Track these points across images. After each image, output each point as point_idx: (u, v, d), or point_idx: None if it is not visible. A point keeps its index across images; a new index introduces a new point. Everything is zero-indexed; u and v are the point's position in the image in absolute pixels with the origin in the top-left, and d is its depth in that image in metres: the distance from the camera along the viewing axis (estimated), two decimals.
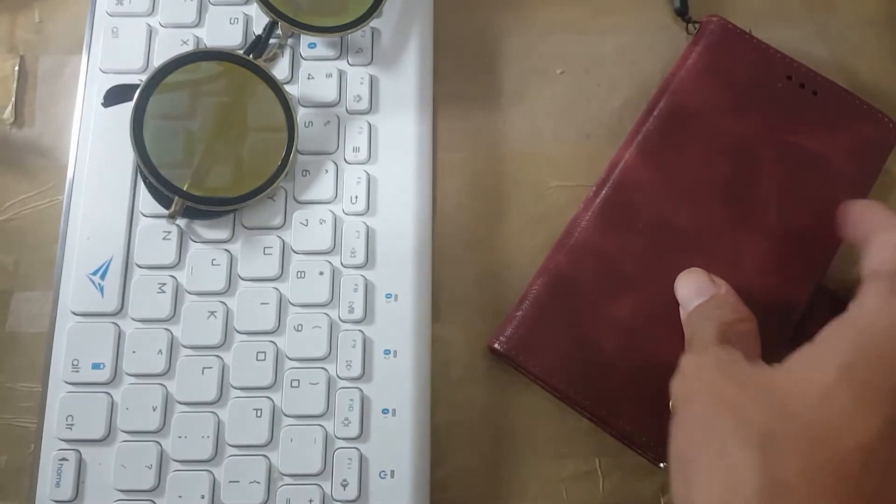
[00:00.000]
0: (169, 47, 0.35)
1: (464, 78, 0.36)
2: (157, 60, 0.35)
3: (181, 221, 0.33)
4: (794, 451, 0.22)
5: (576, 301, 0.32)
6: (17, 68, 0.36)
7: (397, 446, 0.31)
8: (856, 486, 0.22)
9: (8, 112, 0.35)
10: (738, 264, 0.32)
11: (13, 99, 0.35)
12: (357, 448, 0.31)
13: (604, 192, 0.34)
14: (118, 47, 0.35)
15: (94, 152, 0.34)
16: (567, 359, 0.32)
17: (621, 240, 0.33)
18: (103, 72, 0.35)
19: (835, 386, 0.23)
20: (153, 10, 0.36)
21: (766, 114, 0.34)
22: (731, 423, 0.24)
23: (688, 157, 0.34)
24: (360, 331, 0.32)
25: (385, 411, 0.31)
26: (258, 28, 0.35)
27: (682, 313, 0.31)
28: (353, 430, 0.31)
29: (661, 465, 0.31)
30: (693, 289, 0.30)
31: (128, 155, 0.33)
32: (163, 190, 0.31)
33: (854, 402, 0.23)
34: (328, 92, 0.35)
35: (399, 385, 0.31)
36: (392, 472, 0.31)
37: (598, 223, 0.33)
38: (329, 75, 0.35)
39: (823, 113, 0.34)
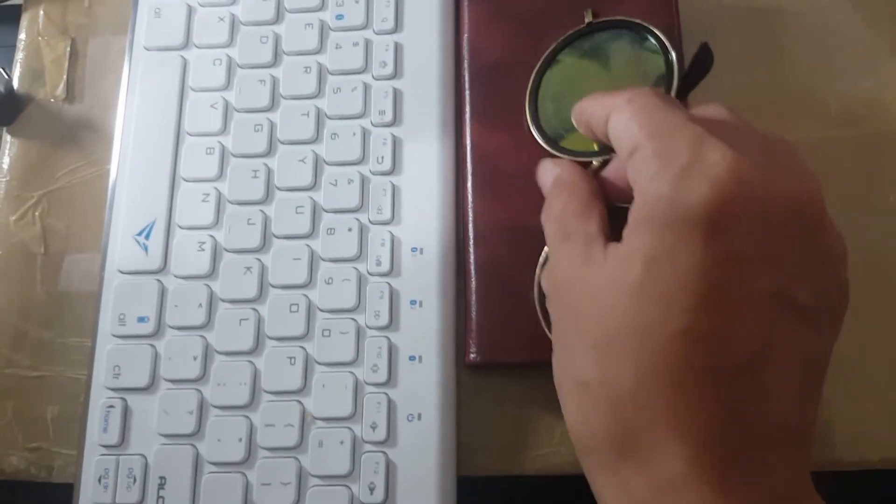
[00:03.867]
0: (207, 24, 0.37)
1: None
2: (196, 37, 0.37)
3: None
4: (624, 352, 0.23)
5: (509, 277, 0.33)
6: (68, 49, 0.38)
7: (424, 391, 0.32)
8: (687, 365, 0.22)
9: (60, 89, 0.38)
10: None
11: (65, 77, 0.38)
12: (385, 393, 0.32)
13: (470, 175, 0.35)
14: (160, 26, 0.37)
15: (139, 124, 0.36)
16: (531, 329, 0.32)
17: (511, 205, 0.34)
18: (147, 49, 0.37)
19: (642, 282, 0.23)
20: None
21: (564, 25, 0.34)
22: (572, 327, 0.25)
23: (519, 103, 0.34)
24: (387, 283, 0.33)
25: (412, 358, 0.32)
26: (289, 2, 0.37)
27: None
28: (382, 376, 0.32)
29: None
30: (542, 183, 0.31)
31: (170, 125, 0.36)
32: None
33: (662, 292, 0.23)
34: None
35: (425, 333, 0.33)
36: (419, 415, 0.32)
37: (484, 204, 0.34)
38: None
39: None
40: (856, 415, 0.32)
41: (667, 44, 0.32)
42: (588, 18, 0.34)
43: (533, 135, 0.33)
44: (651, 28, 0.33)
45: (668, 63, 0.32)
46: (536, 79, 0.34)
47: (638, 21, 0.33)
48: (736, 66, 0.37)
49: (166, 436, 0.32)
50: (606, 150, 0.31)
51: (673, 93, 0.31)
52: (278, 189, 0.35)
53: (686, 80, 0.31)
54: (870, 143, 0.36)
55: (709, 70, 0.31)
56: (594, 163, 0.32)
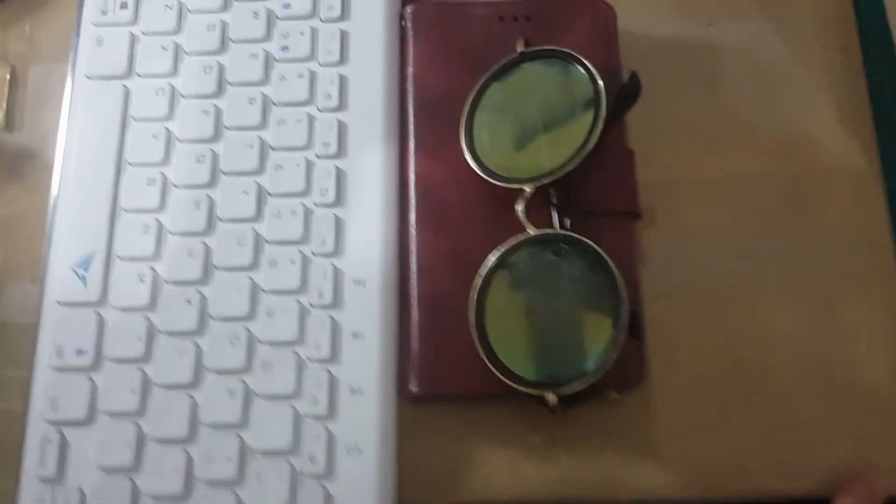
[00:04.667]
0: (150, 53, 0.37)
1: None
2: (139, 66, 0.37)
3: None
4: None
5: (451, 310, 0.33)
6: (8, 77, 0.38)
7: (364, 424, 0.32)
8: None
9: None
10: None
11: (4, 105, 0.38)
12: (325, 426, 0.32)
13: (413, 207, 0.35)
14: (103, 55, 0.37)
15: (80, 153, 0.36)
16: (472, 362, 0.32)
17: (454, 237, 0.34)
18: (88, 78, 0.37)
19: None
20: (135, 20, 0.38)
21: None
22: None
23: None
24: (329, 315, 0.33)
25: (353, 391, 0.33)
26: (234, 33, 0.37)
27: None
28: (322, 409, 0.32)
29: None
30: None
31: (111, 155, 0.36)
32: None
33: None
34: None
35: (367, 365, 0.33)
36: (359, 447, 0.32)
37: (427, 235, 0.35)
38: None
39: (547, 30, 0.36)
40: (773, 445, 0.34)
41: (595, 73, 0.33)
42: (520, 48, 0.35)
43: (468, 162, 0.34)
44: (580, 57, 0.34)
45: (597, 91, 0.33)
46: (472, 107, 0.35)
47: (567, 51, 0.34)
48: (671, 99, 0.38)
49: (104, 468, 0.32)
50: (539, 178, 0.32)
51: (601, 118, 0.33)
52: (220, 220, 0.35)
53: (616, 108, 0.33)
54: (799, 176, 0.37)
55: (637, 97, 0.33)
56: (526, 189, 0.33)
